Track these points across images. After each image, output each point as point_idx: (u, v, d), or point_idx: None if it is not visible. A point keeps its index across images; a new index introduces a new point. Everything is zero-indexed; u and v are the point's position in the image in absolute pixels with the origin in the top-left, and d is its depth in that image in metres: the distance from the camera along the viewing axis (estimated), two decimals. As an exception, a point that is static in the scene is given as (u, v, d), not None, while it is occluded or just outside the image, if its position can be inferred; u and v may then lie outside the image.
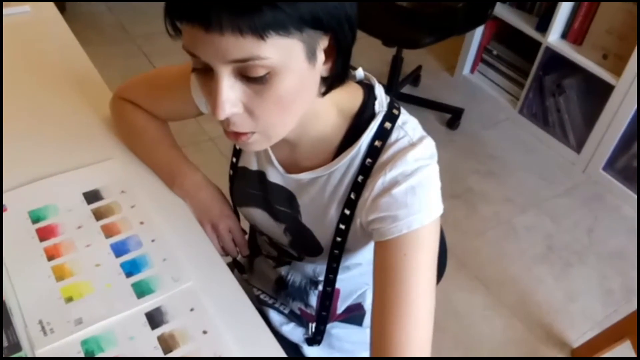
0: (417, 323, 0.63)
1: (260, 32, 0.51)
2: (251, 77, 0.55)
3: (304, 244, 0.83)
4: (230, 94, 0.56)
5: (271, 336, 0.74)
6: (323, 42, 0.58)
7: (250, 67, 0.54)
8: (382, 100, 0.70)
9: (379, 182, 0.66)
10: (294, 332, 0.96)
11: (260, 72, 0.54)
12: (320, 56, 0.59)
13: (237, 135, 0.61)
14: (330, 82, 0.63)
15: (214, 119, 0.60)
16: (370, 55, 2.43)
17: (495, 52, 2.58)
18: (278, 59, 0.54)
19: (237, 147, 0.85)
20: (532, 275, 1.88)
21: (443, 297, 1.72)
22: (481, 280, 1.84)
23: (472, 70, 2.71)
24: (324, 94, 0.64)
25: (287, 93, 0.57)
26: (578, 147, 2.32)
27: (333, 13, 0.55)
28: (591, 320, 1.76)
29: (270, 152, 0.77)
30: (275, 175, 0.78)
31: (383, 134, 0.68)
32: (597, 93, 2.17)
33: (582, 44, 2.19)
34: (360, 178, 0.69)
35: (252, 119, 0.59)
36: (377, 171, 0.67)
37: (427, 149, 0.67)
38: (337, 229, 0.74)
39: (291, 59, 0.55)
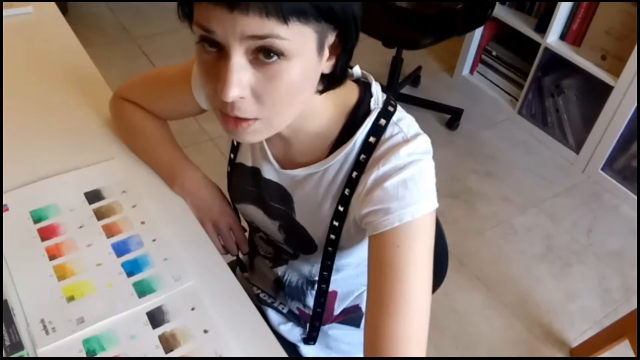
0: (412, 315, 0.62)
1: (284, 15, 0.52)
2: (264, 58, 0.55)
3: (298, 242, 0.83)
4: (241, 75, 0.56)
5: (272, 336, 0.74)
6: (330, 38, 0.59)
7: (267, 46, 0.54)
8: (377, 98, 0.71)
9: (372, 176, 0.66)
10: (292, 332, 0.97)
11: (275, 53, 0.55)
12: (326, 51, 0.60)
13: (237, 122, 0.60)
14: (329, 81, 0.64)
15: (213, 110, 0.60)
16: (370, 56, 2.43)
17: (494, 53, 2.58)
18: (294, 43, 0.55)
19: (235, 141, 0.85)
20: (531, 275, 1.88)
21: (443, 297, 1.73)
22: (480, 280, 1.84)
23: (471, 71, 2.72)
24: (321, 92, 0.65)
25: (294, 81, 0.58)
26: (577, 148, 2.32)
27: (345, 10, 0.57)
28: (590, 320, 1.76)
29: (266, 147, 0.77)
30: (270, 172, 0.79)
31: (377, 130, 0.68)
32: (596, 93, 2.17)
33: (580, 45, 2.19)
34: (354, 174, 0.69)
35: (258, 105, 0.59)
36: (370, 167, 0.68)
37: (421, 145, 0.68)
38: (331, 225, 0.75)
39: (304, 47, 0.56)
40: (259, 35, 0.53)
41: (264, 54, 0.55)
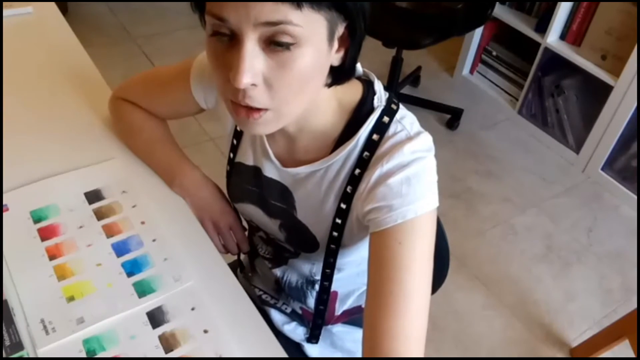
0: (412, 313, 0.62)
1: (297, 0, 0.53)
2: (276, 45, 0.55)
3: (299, 240, 0.83)
4: (254, 61, 0.56)
5: (272, 335, 0.74)
6: (340, 29, 0.60)
7: (280, 33, 0.54)
8: (380, 96, 0.71)
9: (376, 173, 0.67)
10: (296, 331, 0.97)
11: (287, 40, 0.55)
12: (336, 43, 0.61)
13: (249, 112, 0.60)
14: (338, 74, 0.65)
15: (224, 102, 0.60)
16: (370, 56, 2.42)
17: (494, 53, 2.58)
18: (306, 30, 0.55)
19: (234, 140, 0.85)
20: (531, 275, 1.88)
21: (443, 297, 1.73)
22: (481, 280, 1.84)
23: (471, 71, 2.72)
24: (330, 85, 0.66)
25: (306, 69, 0.58)
26: (577, 148, 2.32)
27: (356, 1, 0.58)
28: (590, 320, 1.76)
29: (267, 145, 0.77)
30: (271, 170, 0.79)
31: (381, 128, 0.69)
32: (596, 94, 2.17)
33: (580, 45, 2.19)
34: (357, 171, 0.70)
35: (269, 93, 0.59)
36: (374, 164, 0.68)
37: (424, 142, 0.68)
38: (334, 223, 0.75)
39: (315, 35, 0.57)
40: (272, 22, 0.54)
41: (277, 40, 0.55)
